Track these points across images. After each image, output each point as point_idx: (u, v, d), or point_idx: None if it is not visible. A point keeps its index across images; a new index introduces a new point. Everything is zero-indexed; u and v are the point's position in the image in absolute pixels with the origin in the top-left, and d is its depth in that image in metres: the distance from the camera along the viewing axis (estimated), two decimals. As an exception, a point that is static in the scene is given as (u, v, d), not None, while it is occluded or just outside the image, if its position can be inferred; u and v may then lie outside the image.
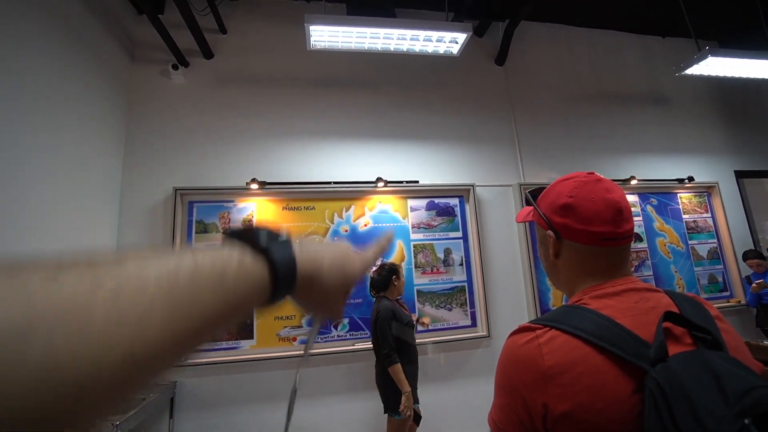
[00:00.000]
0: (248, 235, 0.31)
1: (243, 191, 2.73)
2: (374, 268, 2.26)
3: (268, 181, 2.76)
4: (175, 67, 2.88)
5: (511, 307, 2.96)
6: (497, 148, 3.28)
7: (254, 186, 2.69)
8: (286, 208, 2.79)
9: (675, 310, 0.55)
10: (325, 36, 2.39)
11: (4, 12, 1.73)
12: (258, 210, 2.75)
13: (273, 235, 0.32)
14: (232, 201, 2.73)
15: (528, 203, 0.79)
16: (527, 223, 3.02)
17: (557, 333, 0.54)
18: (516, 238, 3.09)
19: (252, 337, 2.57)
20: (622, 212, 0.63)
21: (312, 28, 2.29)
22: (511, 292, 2.99)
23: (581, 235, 0.62)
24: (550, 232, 0.66)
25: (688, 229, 3.45)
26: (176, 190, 2.63)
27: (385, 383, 2.14)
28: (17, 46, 1.81)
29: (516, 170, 3.25)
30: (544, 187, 0.74)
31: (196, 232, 2.65)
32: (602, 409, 0.47)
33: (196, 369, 2.48)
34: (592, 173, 0.67)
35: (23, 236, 1.78)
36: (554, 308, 0.71)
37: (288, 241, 0.33)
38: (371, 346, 2.26)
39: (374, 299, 2.30)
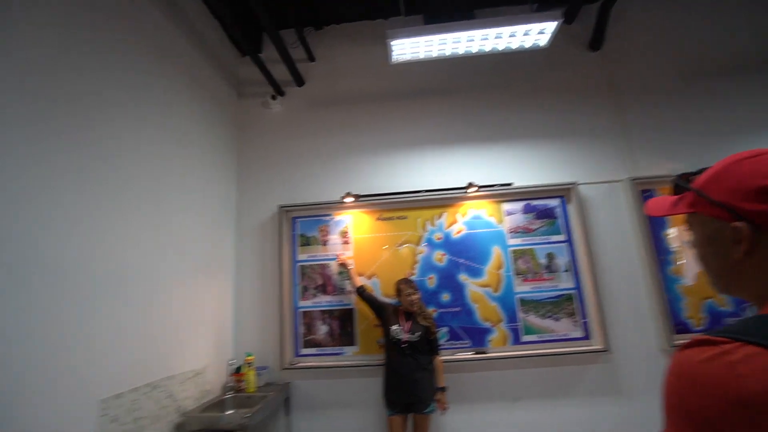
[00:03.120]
0: None
1: (339, 205, 2.87)
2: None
3: (361, 194, 2.87)
4: (273, 98, 3.19)
5: (633, 319, 2.60)
6: (600, 141, 2.96)
7: (349, 199, 2.82)
8: (379, 219, 2.86)
9: None
10: (406, 48, 2.42)
11: (145, 70, 2.12)
12: (353, 222, 2.87)
13: None
14: (329, 215, 2.90)
15: (678, 191, 0.62)
16: (646, 223, 2.66)
17: (756, 350, 0.41)
18: (631, 240, 2.73)
19: (355, 344, 2.66)
20: None
21: (393, 42, 2.34)
22: (630, 302, 2.63)
23: None
24: (739, 224, 0.53)
25: None
26: (281, 207, 2.88)
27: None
28: (158, 96, 2.21)
29: (624, 163, 2.89)
30: (695, 173, 0.60)
31: (300, 245, 2.86)
32: None
33: (306, 371, 2.66)
34: None
35: (165, 254, 2.13)
36: (743, 317, 0.53)
37: None
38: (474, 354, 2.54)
39: None
